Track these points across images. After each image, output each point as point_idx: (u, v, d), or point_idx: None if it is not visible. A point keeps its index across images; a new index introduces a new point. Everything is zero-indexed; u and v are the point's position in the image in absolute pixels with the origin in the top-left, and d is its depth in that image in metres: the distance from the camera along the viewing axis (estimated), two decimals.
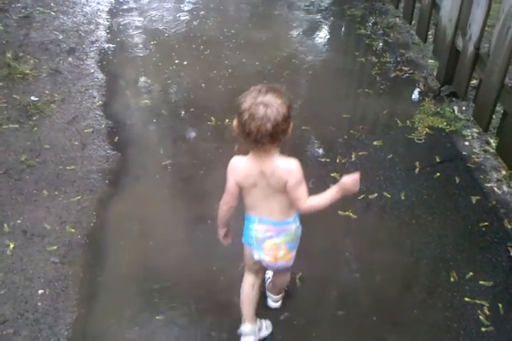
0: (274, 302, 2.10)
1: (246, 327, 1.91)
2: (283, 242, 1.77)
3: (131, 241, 2.36)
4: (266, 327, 2.01)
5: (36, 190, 2.62)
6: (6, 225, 2.40)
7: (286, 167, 1.64)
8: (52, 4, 4.55)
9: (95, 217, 2.48)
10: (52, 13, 4.38)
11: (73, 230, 2.40)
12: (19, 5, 4.48)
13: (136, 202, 2.59)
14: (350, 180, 1.61)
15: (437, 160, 2.81)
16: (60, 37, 4.03)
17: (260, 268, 1.92)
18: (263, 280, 2.08)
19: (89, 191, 2.64)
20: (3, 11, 4.34)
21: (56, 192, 2.62)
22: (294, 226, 1.77)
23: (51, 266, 2.23)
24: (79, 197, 2.59)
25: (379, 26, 4.31)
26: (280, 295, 2.09)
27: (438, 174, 2.71)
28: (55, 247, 2.31)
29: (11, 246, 2.31)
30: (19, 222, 2.43)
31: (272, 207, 1.72)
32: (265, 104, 1.53)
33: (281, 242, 1.76)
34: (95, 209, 2.53)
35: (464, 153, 2.86)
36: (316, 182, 2.67)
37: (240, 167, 1.70)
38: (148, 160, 2.89)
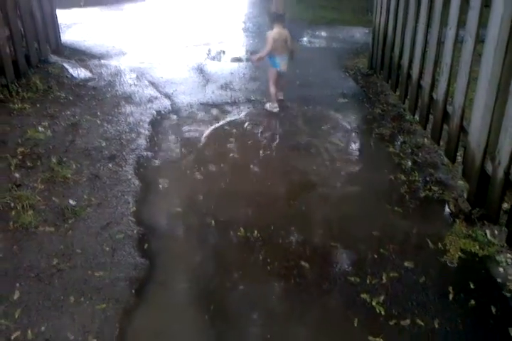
0: (280, 97, 5.35)
1: (273, 104, 5.21)
2: (285, 61, 5.11)
3: None
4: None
5: (64, 295, 2.61)
6: (29, 332, 2.37)
7: (287, 33, 5.06)
8: (99, 113, 4.87)
9: (118, 328, 2.43)
10: (98, 122, 4.68)
11: None
12: (69, 113, 4.81)
13: (161, 314, 2.55)
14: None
15: (471, 286, 2.73)
16: (103, 144, 4.26)
17: (277, 78, 5.21)
18: (278, 86, 5.30)
19: (115, 300, 2.62)
20: (53, 117, 4.66)
21: (82, 299, 2.61)
22: (286, 57, 5.13)
23: None
24: (104, 306, 2.56)
25: (407, 145, 4.44)
26: (282, 93, 5.41)
27: (472, 302, 2.62)
28: None
29: None
30: (43, 329, 2.40)
31: (282, 48, 5.06)
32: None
33: (285, 62, 5.12)
34: (119, 320, 2.49)
35: (498, 280, 2.79)
36: (346, 303, 2.62)
37: (274, 32, 4.99)
38: (176, 270, 2.89)
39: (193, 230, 3.26)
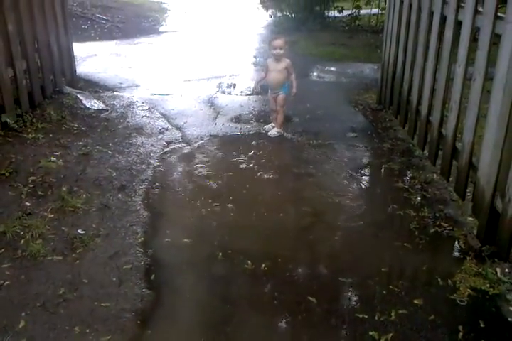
0: (274, 131, 5.39)
1: (280, 129, 5.41)
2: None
3: None
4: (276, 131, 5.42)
5: (69, 326, 2.59)
6: None
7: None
8: (110, 144, 4.93)
9: None
10: (109, 152, 4.73)
11: None
12: (80, 143, 4.88)
13: None
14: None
15: (481, 325, 2.69)
16: (114, 174, 4.30)
17: (274, 101, 5.41)
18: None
19: (121, 331, 2.60)
20: (65, 147, 4.72)
21: (87, 330, 2.58)
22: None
23: None
24: (109, 337, 2.54)
25: (416, 181, 4.42)
26: (278, 129, 5.41)
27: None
28: None
29: None
30: None
31: None
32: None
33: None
34: None
35: (509, 319, 2.74)
36: (354, 340, 2.58)
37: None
38: (182, 302, 2.87)
39: (200, 262, 3.25)
